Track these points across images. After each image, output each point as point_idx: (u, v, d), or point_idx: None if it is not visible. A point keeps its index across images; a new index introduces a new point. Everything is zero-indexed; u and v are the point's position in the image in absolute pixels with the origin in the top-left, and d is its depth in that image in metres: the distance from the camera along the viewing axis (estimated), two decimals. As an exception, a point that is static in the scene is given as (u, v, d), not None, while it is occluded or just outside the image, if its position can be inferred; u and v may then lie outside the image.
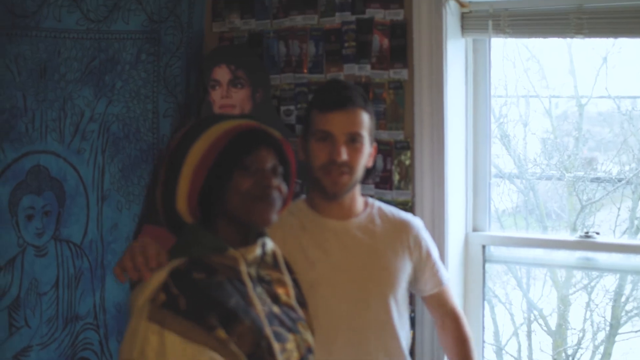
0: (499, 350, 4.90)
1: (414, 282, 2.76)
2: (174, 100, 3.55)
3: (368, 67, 3.40)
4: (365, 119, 2.59)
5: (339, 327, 2.56)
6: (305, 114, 2.72)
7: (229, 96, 3.38)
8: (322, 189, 2.60)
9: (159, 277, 1.81)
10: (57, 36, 3.13)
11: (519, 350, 4.96)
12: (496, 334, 4.92)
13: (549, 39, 3.57)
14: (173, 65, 3.53)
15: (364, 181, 2.77)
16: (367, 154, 2.61)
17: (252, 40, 3.66)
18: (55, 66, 3.13)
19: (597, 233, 3.41)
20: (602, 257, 3.56)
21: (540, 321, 4.88)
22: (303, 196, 2.80)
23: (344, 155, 2.53)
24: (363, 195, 2.78)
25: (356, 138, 2.56)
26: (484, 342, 3.72)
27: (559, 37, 3.39)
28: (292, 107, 3.57)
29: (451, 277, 3.18)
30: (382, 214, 2.75)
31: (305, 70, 3.55)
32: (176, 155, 1.94)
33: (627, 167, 4.72)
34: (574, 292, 5.22)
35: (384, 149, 3.34)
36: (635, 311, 5.20)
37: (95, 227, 3.30)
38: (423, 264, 2.77)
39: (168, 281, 1.80)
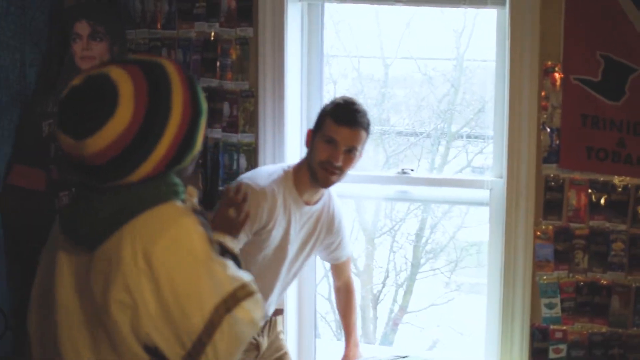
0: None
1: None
2: (39, 51, 3.68)
3: (217, 25, 3.71)
4: (364, 137, 3.17)
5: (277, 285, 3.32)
6: (319, 115, 3.21)
7: (90, 49, 3.49)
8: (315, 176, 3.17)
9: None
10: None
11: (330, 292, 5.46)
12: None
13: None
14: (37, 19, 3.66)
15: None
16: (356, 162, 3.21)
17: None
18: None
19: (412, 170, 3.82)
20: (415, 190, 4.00)
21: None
22: (288, 167, 3.28)
23: (340, 162, 3.11)
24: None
25: (352, 150, 3.14)
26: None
27: (383, 4, 3.84)
28: None
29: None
30: (329, 204, 3.39)
31: (159, 27, 3.80)
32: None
33: (426, 122, 5.29)
34: (380, 236, 5.76)
35: (231, 97, 3.70)
36: (433, 253, 5.83)
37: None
38: (335, 241, 3.51)
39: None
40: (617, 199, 3.39)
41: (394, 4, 3.63)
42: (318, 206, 3.32)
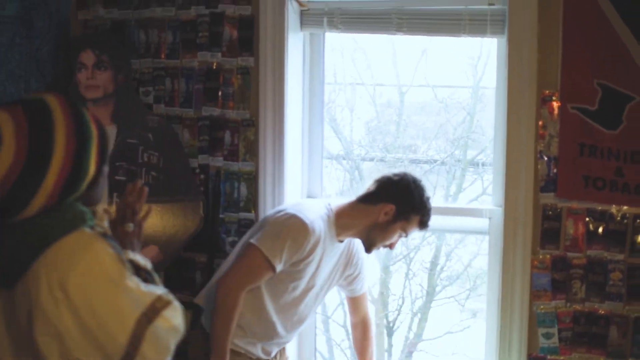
0: (326, 319, 5.38)
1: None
2: (44, 81, 3.75)
3: (219, 54, 3.77)
4: None
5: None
6: (409, 203, 3.27)
7: (94, 78, 3.53)
8: (368, 244, 3.35)
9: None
10: (-63, 21, 3.32)
11: (345, 319, 5.46)
12: (323, 304, 5.38)
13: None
14: (43, 49, 3.73)
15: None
16: None
17: (114, 28, 3.91)
18: (-63, 48, 3.33)
19: None
20: None
21: None
22: (330, 205, 3.35)
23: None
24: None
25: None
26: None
27: (383, 33, 3.80)
28: (150, 89, 3.89)
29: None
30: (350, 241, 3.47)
31: (163, 56, 3.87)
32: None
33: (442, 150, 5.26)
34: (394, 263, 5.74)
35: (232, 126, 3.75)
36: (448, 280, 5.79)
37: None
38: (355, 273, 3.57)
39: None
40: (615, 229, 3.36)
41: (393, 34, 3.66)
42: (345, 241, 3.40)
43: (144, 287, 2.11)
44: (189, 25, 3.82)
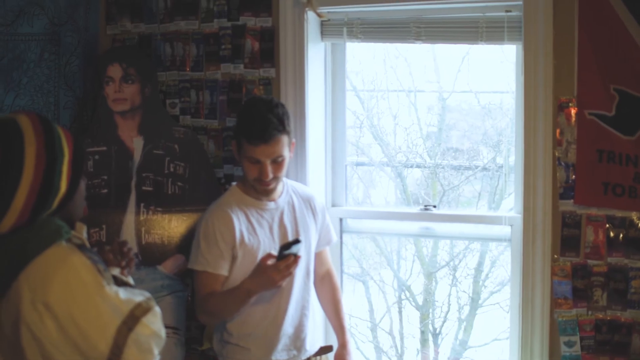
0: (374, 327, 5.36)
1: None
2: (73, 94, 3.84)
3: (242, 66, 3.82)
4: (285, 140, 3.19)
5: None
6: (235, 135, 3.24)
7: (122, 91, 3.64)
8: (255, 189, 3.25)
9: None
10: (-30, 38, 3.43)
11: (392, 325, 5.44)
12: (371, 312, 5.38)
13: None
14: (72, 64, 3.82)
15: None
16: (287, 161, 3.24)
17: (141, 41, 3.99)
18: (-32, 64, 3.44)
19: (434, 206, 3.89)
20: (438, 227, 4.03)
21: (407, 295, 5.32)
22: (234, 183, 3.38)
23: (270, 175, 3.16)
24: None
25: (277, 159, 3.17)
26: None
27: (402, 42, 3.85)
28: (176, 101, 3.95)
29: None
30: (295, 191, 3.42)
31: (188, 69, 3.93)
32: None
33: (484, 155, 5.21)
34: (438, 270, 5.72)
35: None
36: (492, 286, 5.74)
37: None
38: (322, 225, 3.46)
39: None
40: (635, 235, 3.31)
41: (412, 43, 3.68)
42: (284, 197, 3.36)
43: (123, 294, 2.18)
44: (212, 37, 3.87)
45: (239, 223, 3.21)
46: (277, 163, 3.17)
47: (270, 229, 3.27)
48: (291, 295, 3.29)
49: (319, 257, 3.53)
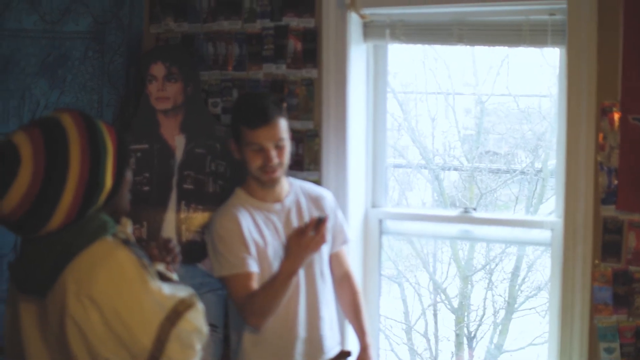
0: (409, 329, 5.37)
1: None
2: (116, 92, 3.88)
3: (284, 66, 3.83)
4: (283, 124, 3.20)
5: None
6: (233, 126, 3.25)
7: (164, 89, 3.63)
8: (261, 182, 3.24)
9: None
10: (18, 35, 3.48)
11: (427, 328, 5.44)
12: (406, 314, 5.38)
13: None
14: (115, 62, 3.86)
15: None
16: (289, 147, 3.24)
17: (184, 40, 4.01)
18: (16, 61, 3.48)
19: (474, 209, 3.86)
20: (477, 230, 3.96)
21: (442, 297, 5.31)
22: (239, 188, 3.37)
23: (275, 159, 3.16)
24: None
25: (280, 143, 3.18)
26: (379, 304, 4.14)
27: (444, 44, 3.83)
28: (218, 100, 3.97)
29: (352, 247, 3.72)
30: (304, 191, 3.40)
31: (230, 68, 3.95)
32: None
33: (522, 159, 5.19)
34: (474, 273, 5.70)
35: (297, 136, 3.75)
36: (529, 291, 5.71)
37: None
38: (334, 225, 3.42)
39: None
40: (678, 242, 3.29)
41: (455, 45, 3.66)
42: (291, 197, 3.36)
43: (167, 290, 2.22)
44: (255, 38, 3.89)
45: (246, 222, 3.22)
46: (280, 148, 3.19)
47: (277, 229, 3.28)
48: (299, 297, 3.26)
49: (335, 258, 3.48)
